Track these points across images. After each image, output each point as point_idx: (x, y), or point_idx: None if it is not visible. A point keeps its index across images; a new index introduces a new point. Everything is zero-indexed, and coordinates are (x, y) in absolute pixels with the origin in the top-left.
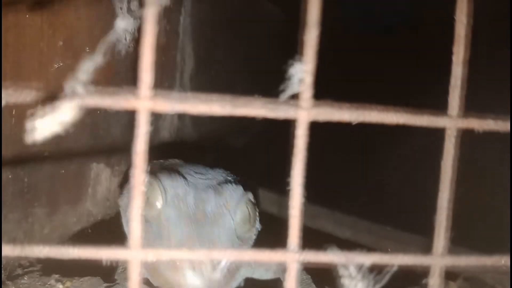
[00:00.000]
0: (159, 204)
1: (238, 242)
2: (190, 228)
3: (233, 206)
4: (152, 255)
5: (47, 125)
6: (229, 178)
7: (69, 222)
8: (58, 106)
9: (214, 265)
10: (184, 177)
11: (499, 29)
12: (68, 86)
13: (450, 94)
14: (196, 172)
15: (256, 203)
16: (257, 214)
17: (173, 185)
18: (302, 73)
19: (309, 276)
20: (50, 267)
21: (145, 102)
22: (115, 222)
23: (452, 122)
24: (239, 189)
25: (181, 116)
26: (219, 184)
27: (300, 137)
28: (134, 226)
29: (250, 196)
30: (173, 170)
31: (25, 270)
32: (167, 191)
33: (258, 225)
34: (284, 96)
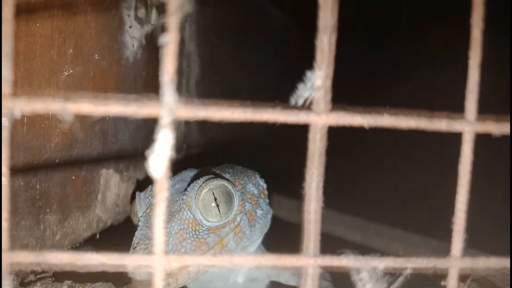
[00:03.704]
0: (139, 213)
1: (206, 228)
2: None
3: (193, 198)
4: (176, 261)
5: (161, 156)
6: (207, 174)
7: (80, 228)
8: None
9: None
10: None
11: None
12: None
13: (467, 98)
14: (184, 179)
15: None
16: (235, 196)
17: (148, 196)
18: (319, 78)
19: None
20: (63, 273)
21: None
22: (125, 227)
23: (469, 126)
24: (201, 180)
25: (188, 121)
26: (189, 183)
27: (319, 141)
28: (157, 233)
29: (215, 182)
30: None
31: (38, 276)
32: (141, 203)
33: (258, 207)
34: (301, 100)
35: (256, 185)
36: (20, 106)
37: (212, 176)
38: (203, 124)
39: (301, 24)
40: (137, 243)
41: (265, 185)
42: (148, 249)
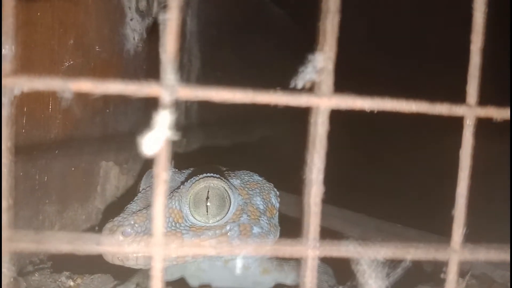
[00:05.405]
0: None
1: (189, 224)
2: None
3: (186, 190)
4: (175, 250)
5: (158, 135)
6: (199, 175)
7: (79, 220)
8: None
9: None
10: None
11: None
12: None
13: (468, 83)
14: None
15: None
16: (232, 203)
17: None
18: (322, 61)
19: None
20: (61, 264)
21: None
22: None
23: (470, 110)
24: (202, 175)
25: (188, 116)
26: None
27: (321, 125)
28: (157, 222)
29: (215, 181)
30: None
31: (36, 267)
32: (147, 182)
33: (257, 224)
34: (302, 82)
35: (265, 200)
36: (21, 84)
37: (216, 175)
38: (204, 118)
39: (301, 21)
40: (110, 227)
41: (277, 205)
42: (114, 236)
